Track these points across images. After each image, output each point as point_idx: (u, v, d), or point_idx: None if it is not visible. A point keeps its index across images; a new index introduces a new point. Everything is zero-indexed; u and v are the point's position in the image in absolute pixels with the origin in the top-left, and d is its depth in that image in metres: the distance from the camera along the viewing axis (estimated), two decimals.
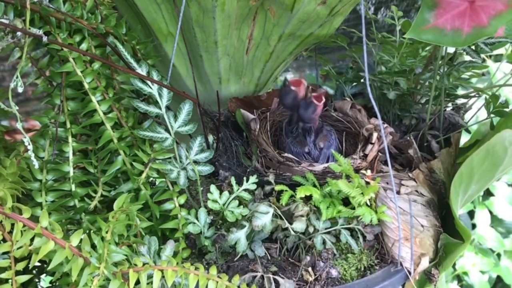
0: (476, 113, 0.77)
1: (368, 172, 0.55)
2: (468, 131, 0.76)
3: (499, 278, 1.58)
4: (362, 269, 0.58)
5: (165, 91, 0.59)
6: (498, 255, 1.59)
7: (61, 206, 0.57)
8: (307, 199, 0.58)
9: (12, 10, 0.54)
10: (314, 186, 0.59)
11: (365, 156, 0.67)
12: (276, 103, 0.78)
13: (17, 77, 0.52)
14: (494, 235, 1.60)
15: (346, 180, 0.57)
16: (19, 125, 0.52)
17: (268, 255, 0.58)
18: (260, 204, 0.56)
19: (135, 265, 0.50)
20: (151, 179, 0.60)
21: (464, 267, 1.56)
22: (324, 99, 0.70)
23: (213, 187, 0.59)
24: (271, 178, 0.62)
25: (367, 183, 0.56)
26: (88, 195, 0.58)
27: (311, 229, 0.57)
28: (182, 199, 0.61)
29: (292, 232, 0.56)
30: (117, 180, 0.60)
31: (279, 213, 0.56)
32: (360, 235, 0.59)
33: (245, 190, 0.60)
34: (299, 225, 0.55)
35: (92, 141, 0.60)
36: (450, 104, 0.78)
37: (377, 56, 0.76)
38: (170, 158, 0.60)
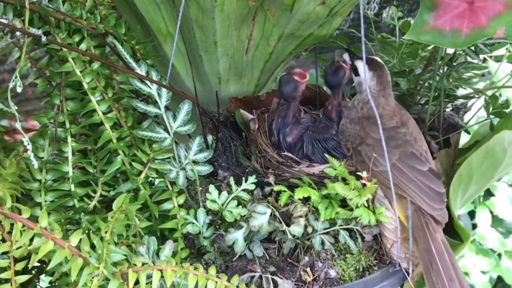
0: (476, 114, 0.77)
1: (364, 174, 0.55)
2: (467, 132, 0.76)
3: (499, 279, 1.58)
4: (361, 269, 0.58)
5: (164, 91, 0.59)
6: (499, 255, 1.59)
7: (61, 206, 0.57)
8: (306, 199, 0.58)
9: (11, 10, 0.55)
10: (311, 187, 0.60)
11: None
12: (276, 103, 0.78)
13: (16, 77, 0.52)
14: (495, 235, 1.60)
15: (343, 182, 0.57)
16: (18, 125, 0.52)
17: (266, 255, 0.58)
18: (258, 205, 0.57)
19: (134, 265, 0.50)
20: (150, 179, 0.60)
21: (465, 267, 1.56)
22: (308, 76, 0.71)
23: (212, 187, 0.59)
24: (271, 179, 0.62)
25: (364, 184, 0.56)
26: (87, 195, 0.58)
27: (309, 230, 0.57)
28: (181, 199, 0.61)
29: (290, 236, 0.56)
30: (116, 180, 0.61)
31: (277, 214, 0.56)
32: (358, 236, 0.59)
33: (244, 190, 0.60)
34: (296, 229, 0.55)
35: (91, 141, 0.60)
36: (449, 105, 0.78)
37: (377, 56, 0.76)
38: (169, 158, 0.60)
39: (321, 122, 0.73)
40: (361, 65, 0.63)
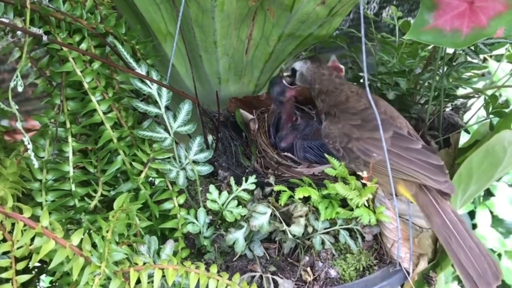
0: (476, 114, 0.77)
1: (364, 174, 0.55)
2: (467, 131, 0.76)
3: None
4: (361, 269, 0.58)
5: (164, 91, 0.59)
6: (499, 255, 1.58)
7: (61, 206, 0.57)
8: (306, 199, 0.58)
9: (12, 9, 0.55)
10: (312, 187, 0.60)
11: None
12: None
13: (17, 77, 0.52)
14: (495, 235, 1.60)
15: (343, 182, 0.57)
16: (19, 125, 0.52)
17: (267, 255, 0.58)
18: (258, 204, 0.57)
19: (136, 264, 0.50)
20: (151, 178, 0.60)
21: None
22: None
23: (212, 187, 0.59)
24: (271, 179, 0.62)
25: (364, 184, 0.56)
26: (88, 195, 0.58)
27: (310, 229, 0.57)
28: (181, 199, 0.61)
29: (290, 236, 0.56)
30: (117, 179, 0.61)
31: (277, 214, 0.56)
32: (359, 235, 0.59)
33: (244, 190, 0.60)
34: (296, 229, 0.55)
35: (92, 140, 0.60)
36: (449, 105, 0.78)
37: (377, 56, 0.76)
38: (169, 158, 0.60)
39: (313, 126, 0.73)
40: (296, 63, 0.70)
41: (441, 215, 0.55)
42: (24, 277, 0.50)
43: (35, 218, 0.49)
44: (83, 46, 0.59)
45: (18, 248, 0.48)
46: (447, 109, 0.77)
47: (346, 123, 0.61)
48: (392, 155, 0.56)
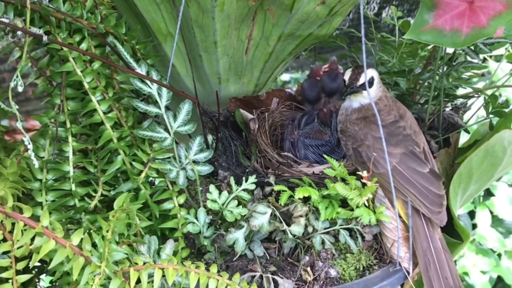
0: (475, 113, 0.77)
1: (364, 173, 0.55)
2: (467, 131, 0.76)
3: (499, 278, 1.57)
4: (361, 269, 0.58)
5: (164, 91, 0.59)
6: (499, 255, 1.59)
7: (61, 206, 0.57)
8: (306, 199, 0.58)
9: (12, 9, 0.55)
10: (312, 187, 0.60)
11: None
12: (276, 103, 0.78)
13: (17, 77, 0.53)
14: (495, 235, 1.60)
15: (343, 182, 0.57)
16: (19, 125, 0.53)
17: (267, 255, 0.58)
18: (258, 204, 0.57)
19: (136, 264, 0.50)
20: (151, 178, 0.60)
21: (465, 267, 1.56)
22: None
23: (212, 187, 0.59)
24: (271, 179, 0.62)
25: (364, 184, 0.56)
26: (88, 195, 0.59)
27: (310, 229, 0.57)
28: (181, 199, 0.61)
29: (290, 235, 0.56)
30: (117, 179, 0.61)
31: (278, 214, 0.56)
32: (359, 235, 0.59)
33: (244, 190, 0.60)
34: (296, 229, 0.55)
35: (92, 140, 0.60)
36: (449, 104, 0.78)
37: (377, 56, 0.76)
38: (169, 157, 0.60)
39: (314, 127, 0.73)
40: (368, 70, 0.61)
41: (428, 241, 0.56)
42: (24, 277, 0.50)
43: (35, 218, 0.49)
44: (83, 46, 0.59)
45: (18, 248, 0.48)
46: (447, 109, 0.77)
47: (368, 131, 0.60)
48: (396, 172, 0.57)
